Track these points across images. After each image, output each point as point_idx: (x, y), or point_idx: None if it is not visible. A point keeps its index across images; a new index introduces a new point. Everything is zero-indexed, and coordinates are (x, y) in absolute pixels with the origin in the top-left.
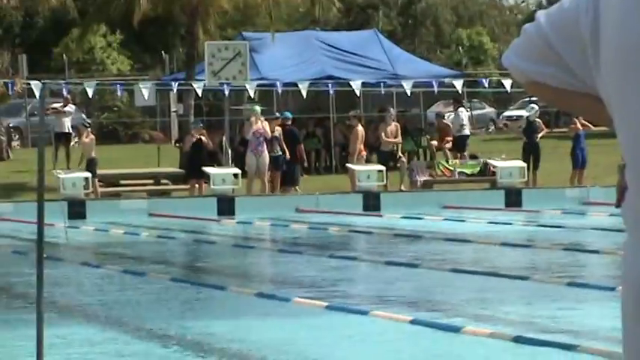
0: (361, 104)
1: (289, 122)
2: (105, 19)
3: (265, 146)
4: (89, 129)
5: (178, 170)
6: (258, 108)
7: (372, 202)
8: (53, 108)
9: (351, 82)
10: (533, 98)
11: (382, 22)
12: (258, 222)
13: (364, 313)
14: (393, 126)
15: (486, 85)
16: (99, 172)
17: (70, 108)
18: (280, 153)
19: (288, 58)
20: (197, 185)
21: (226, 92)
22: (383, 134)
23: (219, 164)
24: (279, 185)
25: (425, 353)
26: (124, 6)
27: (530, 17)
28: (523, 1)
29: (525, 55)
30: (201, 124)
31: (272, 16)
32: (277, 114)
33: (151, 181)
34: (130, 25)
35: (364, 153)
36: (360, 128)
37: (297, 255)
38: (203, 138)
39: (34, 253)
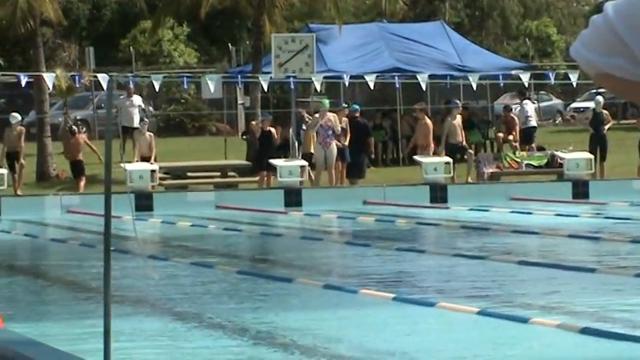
0: (428, 96)
1: (357, 114)
2: (174, 12)
3: (333, 138)
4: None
5: (245, 162)
6: (327, 102)
7: (439, 194)
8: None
9: (418, 75)
10: (600, 90)
11: (449, 14)
12: (326, 214)
13: (431, 304)
14: (459, 118)
15: (552, 77)
16: (166, 164)
17: (137, 99)
18: (347, 145)
19: (354, 50)
20: (265, 177)
21: (292, 85)
22: (449, 126)
23: (287, 156)
24: (344, 177)
25: (492, 344)
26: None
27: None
28: None
29: (593, 47)
30: (270, 116)
31: (339, 7)
32: (344, 105)
33: (217, 174)
34: (197, 17)
35: (432, 146)
36: (427, 120)
37: (364, 247)
38: (272, 130)
39: (102, 245)
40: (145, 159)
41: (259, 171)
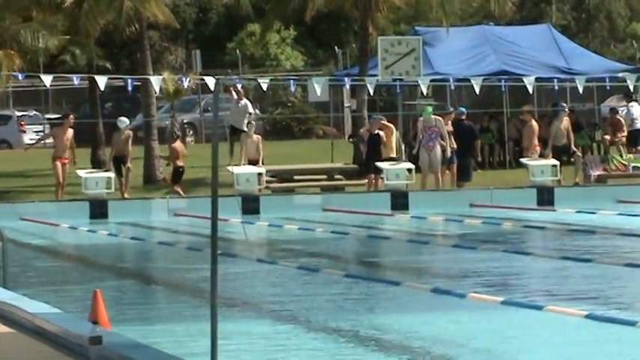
0: (534, 99)
1: (464, 117)
2: (282, 15)
3: (436, 142)
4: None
5: (352, 165)
6: (430, 109)
7: (546, 197)
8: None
9: (524, 78)
10: None
11: (555, 16)
12: (432, 217)
13: (539, 308)
14: (566, 121)
15: None
16: (273, 167)
17: (245, 102)
18: (454, 147)
19: (461, 52)
20: (374, 180)
21: (399, 88)
22: (555, 129)
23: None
24: (454, 179)
25: (600, 348)
26: (300, 2)
27: None
28: None
29: None
30: (379, 118)
31: (446, 10)
32: (451, 108)
33: (324, 177)
34: (304, 21)
35: (538, 148)
36: (534, 123)
37: (472, 250)
38: (380, 132)
39: (209, 248)
40: (252, 162)
41: (367, 174)
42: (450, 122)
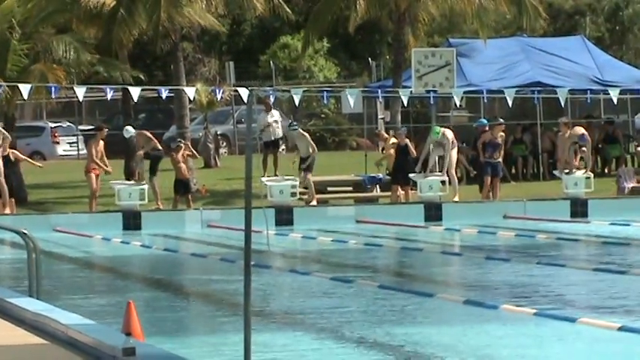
0: (568, 111)
1: (486, 128)
2: (320, 29)
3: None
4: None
5: (386, 177)
6: (438, 129)
7: (579, 209)
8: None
9: (558, 90)
10: None
11: (589, 28)
12: (466, 229)
13: (573, 320)
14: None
15: None
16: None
17: (275, 114)
18: (499, 160)
19: (495, 63)
20: (403, 192)
21: (432, 100)
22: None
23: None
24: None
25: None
26: (337, 14)
27: None
28: None
29: None
30: (405, 129)
31: (482, 21)
32: (501, 120)
33: (358, 188)
34: (337, 32)
35: (575, 161)
36: (567, 135)
37: (505, 262)
38: (408, 143)
39: (242, 260)
40: (304, 159)
41: (394, 184)
42: (500, 133)
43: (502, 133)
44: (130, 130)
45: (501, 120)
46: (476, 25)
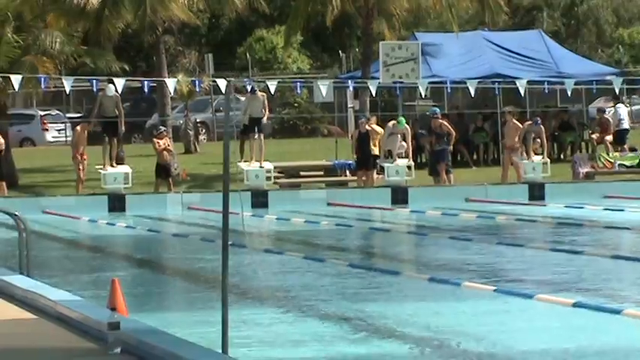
0: (527, 101)
1: (439, 116)
2: (301, 24)
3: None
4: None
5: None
6: (403, 120)
7: (537, 193)
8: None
9: (517, 81)
10: None
11: (546, 23)
12: (430, 211)
13: (530, 296)
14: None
15: None
16: (280, 164)
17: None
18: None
19: (458, 56)
20: (364, 177)
21: (398, 90)
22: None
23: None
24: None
25: (586, 334)
26: (312, 11)
27: None
28: None
29: None
30: (369, 118)
31: (453, 13)
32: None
33: (329, 173)
34: (309, 26)
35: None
36: (514, 123)
37: (467, 242)
38: (377, 128)
39: (220, 240)
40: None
41: (359, 169)
42: (443, 123)
43: (445, 123)
44: (111, 89)
45: (457, 110)
46: (444, 19)
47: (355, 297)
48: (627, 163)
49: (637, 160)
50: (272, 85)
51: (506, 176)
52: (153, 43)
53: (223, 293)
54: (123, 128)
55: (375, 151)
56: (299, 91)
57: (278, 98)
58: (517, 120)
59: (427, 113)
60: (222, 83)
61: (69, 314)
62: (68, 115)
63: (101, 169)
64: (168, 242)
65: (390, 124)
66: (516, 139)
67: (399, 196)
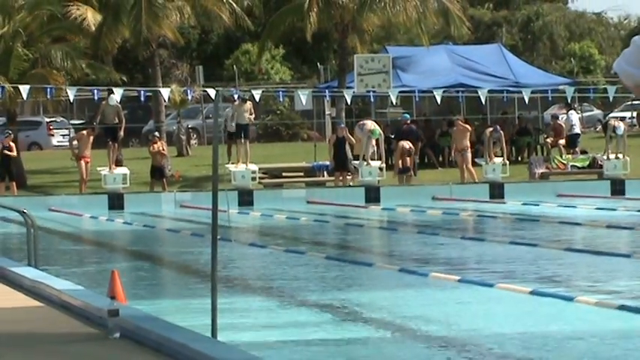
0: (488, 108)
1: (409, 122)
2: (274, 37)
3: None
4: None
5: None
6: (378, 131)
7: (497, 191)
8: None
9: (479, 90)
10: (635, 102)
11: (505, 37)
12: (400, 208)
13: (491, 285)
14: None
15: (593, 91)
16: (265, 165)
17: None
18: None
19: (425, 67)
20: (341, 177)
21: (372, 98)
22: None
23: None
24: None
25: (542, 319)
26: (290, 25)
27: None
28: (626, 19)
29: (634, 62)
30: (343, 125)
31: (423, 29)
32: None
33: (308, 174)
34: (291, 41)
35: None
36: (462, 127)
37: (434, 236)
38: (345, 136)
39: (210, 234)
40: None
41: (336, 171)
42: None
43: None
44: (113, 99)
45: (424, 116)
46: (413, 34)
47: (331, 287)
48: (579, 164)
49: (587, 162)
50: (257, 94)
51: (463, 176)
52: (148, 56)
53: (213, 282)
54: (122, 133)
55: (349, 154)
56: (281, 99)
57: (262, 106)
58: (479, 125)
59: (399, 118)
60: (211, 92)
61: (72, 302)
62: (72, 121)
63: (103, 170)
64: (162, 237)
65: (367, 130)
66: (466, 141)
67: (372, 194)
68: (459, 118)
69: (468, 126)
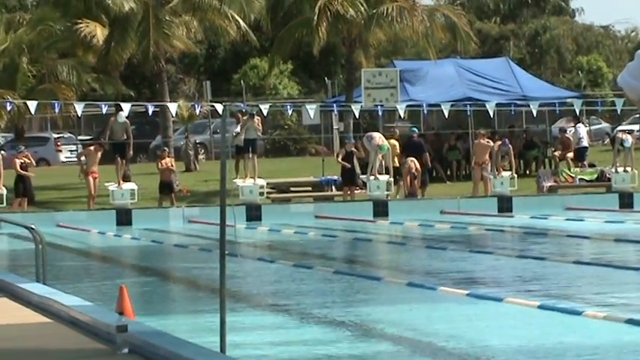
0: (495, 122)
1: (415, 135)
2: (283, 53)
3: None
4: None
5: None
6: (386, 147)
7: (505, 205)
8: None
9: (486, 104)
10: None
11: (513, 51)
12: (408, 222)
13: (499, 299)
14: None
15: (601, 104)
16: (272, 180)
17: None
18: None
19: (433, 81)
20: (349, 192)
21: (380, 112)
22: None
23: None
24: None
25: (551, 334)
26: (298, 41)
27: None
28: (633, 32)
29: (638, 76)
30: (353, 140)
31: (429, 42)
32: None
33: (316, 188)
34: (298, 55)
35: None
36: (483, 141)
37: (442, 250)
38: (354, 150)
39: (218, 250)
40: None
41: (344, 186)
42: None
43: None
44: (122, 116)
45: (432, 130)
46: (421, 48)
47: (340, 301)
48: (587, 177)
49: (595, 175)
50: (265, 109)
51: (477, 190)
52: (156, 71)
53: (221, 298)
54: (131, 152)
55: (357, 169)
56: (289, 114)
57: (270, 121)
58: (488, 139)
59: (407, 132)
60: (219, 107)
61: (81, 318)
62: (79, 137)
63: (111, 186)
64: (170, 252)
65: (375, 144)
66: (486, 156)
67: (380, 208)
68: (483, 133)
69: (491, 142)
